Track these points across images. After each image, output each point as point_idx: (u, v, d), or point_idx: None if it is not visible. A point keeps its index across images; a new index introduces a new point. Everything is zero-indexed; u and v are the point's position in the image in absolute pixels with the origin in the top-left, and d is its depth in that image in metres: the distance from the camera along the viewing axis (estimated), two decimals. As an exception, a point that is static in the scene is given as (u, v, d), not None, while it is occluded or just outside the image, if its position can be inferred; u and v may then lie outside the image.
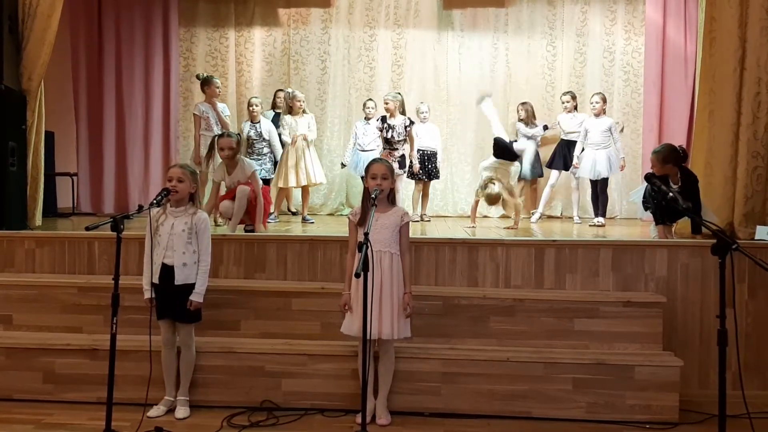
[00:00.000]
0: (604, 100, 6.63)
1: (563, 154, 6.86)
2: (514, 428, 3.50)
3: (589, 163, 6.49)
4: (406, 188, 7.17)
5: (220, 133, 5.26)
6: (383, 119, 6.56)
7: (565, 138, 6.93)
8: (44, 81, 5.05)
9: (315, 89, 7.95)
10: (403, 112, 6.61)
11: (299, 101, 6.56)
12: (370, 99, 7.19)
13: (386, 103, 6.63)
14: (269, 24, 8.01)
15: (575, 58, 7.80)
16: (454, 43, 7.88)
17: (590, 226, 6.43)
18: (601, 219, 6.39)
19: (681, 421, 3.53)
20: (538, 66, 7.83)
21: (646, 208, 4.77)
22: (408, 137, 6.57)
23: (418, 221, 6.43)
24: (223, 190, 5.16)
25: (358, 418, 3.26)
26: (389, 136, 6.49)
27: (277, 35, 8.00)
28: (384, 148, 6.56)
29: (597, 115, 6.53)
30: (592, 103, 6.60)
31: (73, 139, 7.64)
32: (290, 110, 6.58)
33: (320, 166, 6.76)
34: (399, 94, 6.74)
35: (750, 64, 4.30)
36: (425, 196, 6.94)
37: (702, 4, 5.04)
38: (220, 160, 5.01)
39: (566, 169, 6.86)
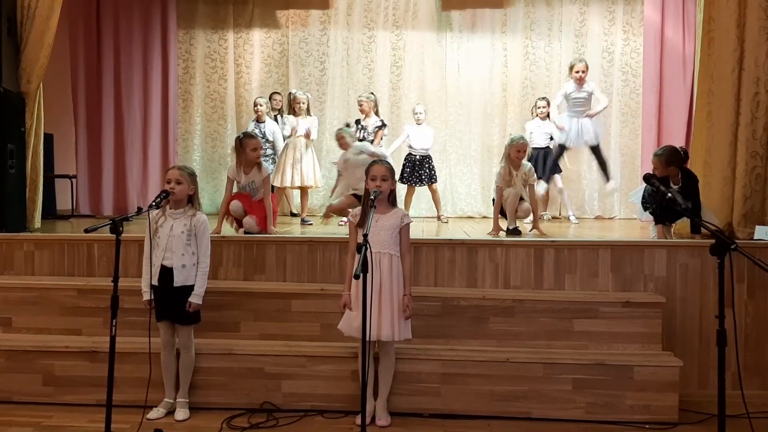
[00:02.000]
0: (587, 69, 6.58)
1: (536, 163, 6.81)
2: (513, 429, 3.50)
3: (574, 131, 6.45)
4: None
5: (243, 133, 5.06)
6: (357, 121, 6.63)
7: (534, 145, 6.77)
8: (43, 83, 5.05)
9: (314, 91, 7.95)
10: (377, 113, 6.63)
11: (299, 103, 6.56)
12: (372, 93, 7.17)
13: (360, 104, 6.67)
14: (268, 26, 8.02)
15: (574, 58, 7.79)
16: (453, 44, 7.89)
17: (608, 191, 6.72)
18: (609, 184, 6.61)
19: (680, 421, 3.53)
20: (537, 66, 7.84)
21: (645, 209, 4.78)
22: (375, 137, 6.52)
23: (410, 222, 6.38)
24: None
25: (358, 420, 3.26)
26: (361, 137, 6.50)
27: (275, 37, 8.01)
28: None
29: (580, 83, 6.47)
30: (578, 72, 6.49)
31: (72, 141, 7.64)
32: (293, 111, 6.61)
33: (318, 169, 6.76)
34: (372, 94, 6.76)
35: (748, 64, 4.30)
36: (435, 198, 6.92)
37: (700, 4, 5.04)
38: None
39: (542, 175, 6.71)
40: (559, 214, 7.44)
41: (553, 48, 7.83)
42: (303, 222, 6.49)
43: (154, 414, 3.51)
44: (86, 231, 3.00)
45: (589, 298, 3.93)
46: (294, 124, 6.56)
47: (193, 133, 8.00)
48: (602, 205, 7.76)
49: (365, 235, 2.88)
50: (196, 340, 3.67)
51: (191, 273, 3.50)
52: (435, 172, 6.91)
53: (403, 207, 6.76)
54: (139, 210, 3.27)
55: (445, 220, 6.82)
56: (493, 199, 5.36)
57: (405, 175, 6.77)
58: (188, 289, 3.49)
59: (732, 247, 2.49)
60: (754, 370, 3.97)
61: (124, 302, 3.09)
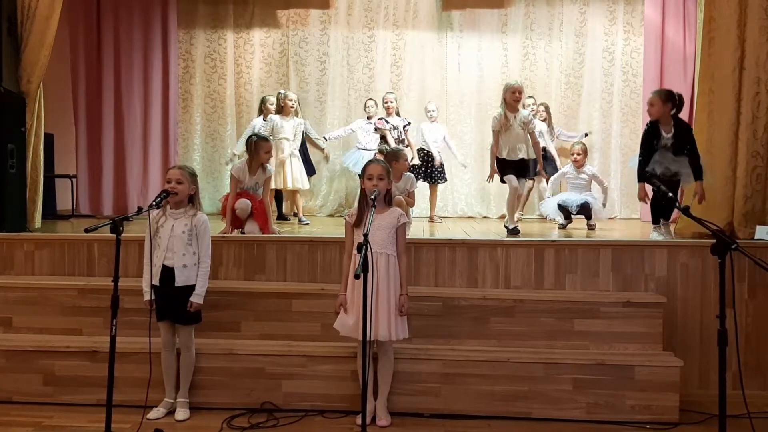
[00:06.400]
0: (585, 152, 6.12)
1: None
2: (514, 429, 3.50)
3: (572, 198, 5.99)
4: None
5: (257, 135, 5.05)
6: (385, 120, 6.69)
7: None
8: (43, 83, 5.04)
9: (314, 90, 7.95)
10: (398, 114, 6.80)
11: (290, 100, 6.52)
12: (371, 99, 7.24)
13: (390, 102, 6.80)
14: (268, 25, 8.00)
15: (574, 58, 7.80)
16: (453, 44, 7.88)
17: (559, 227, 6.05)
18: (591, 222, 6.02)
19: (681, 421, 3.53)
20: (537, 67, 7.84)
21: (640, 177, 4.73)
22: (407, 138, 6.62)
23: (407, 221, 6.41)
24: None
25: (358, 420, 3.26)
26: (395, 136, 6.68)
27: (276, 37, 8.00)
28: (380, 148, 6.64)
29: (579, 167, 6.04)
30: (573, 154, 6.08)
31: (73, 141, 7.62)
32: (281, 110, 6.54)
33: (304, 170, 6.75)
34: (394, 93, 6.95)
35: (749, 63, 4.30)
36: (433, 196, 6.96)
37: (701, 3, 5.03)
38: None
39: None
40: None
41: (553, 48, 7.82)
42: (300, 222, 6.50)
43: (154, 414, 3.51)
44: (86, 231, 3.00)
45: (590, 298, 3.93)
46: (277, 126, 6.50)
47: (193, 133, 7.99)
48: (602, 205, 7.74)
49: (365, 235, 2.88)
50: (197, 340, 3.67)
51: (192, 273, 3.50)
52: (443, 173, 6.96)
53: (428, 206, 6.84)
54: (140, 210, 3.26)
55: (440, 220, 6.83)
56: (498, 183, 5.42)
57: (420, 172, 6.78)
58: (189, 289, 3.49)
59: (733, 247, 2.48)
60: (755, 370, 3.98)
61: (124, 302, 3.09)
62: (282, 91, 6.75)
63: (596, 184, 6.12)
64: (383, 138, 6.63)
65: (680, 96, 4.58)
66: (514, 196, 5.22)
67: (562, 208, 5.99)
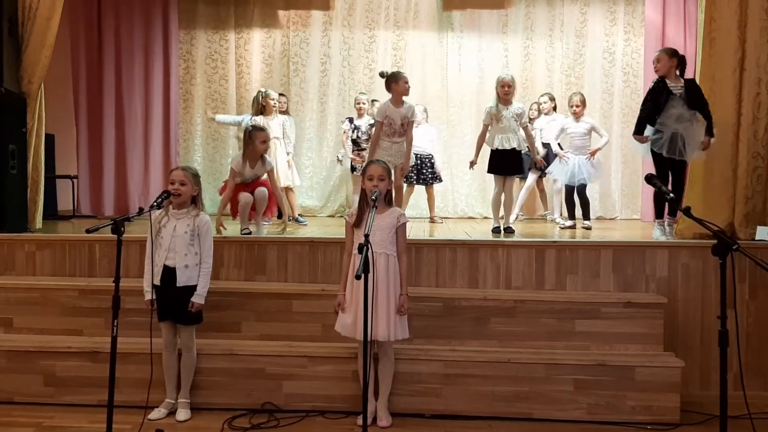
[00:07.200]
0: (584, 103, 6.12)
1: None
2: (515, 430, 3.50)
3: (569, 168, 6.05)
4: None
5: (252, 126, 5.12)
6: (351, 120, 6.73)
7: (544, 141, 6.85)
8: (44, 84, 5.04)
9: (315, 91, 7.96)
10: (368, 113, 6.77)
11: (272, 99, 6.43)
12: (375, 100, 7.20)
13: (362, 103, 6.76)
14: (269, 26, 8.02)
15: (575, 59, 7.81)
16: (454, 45, 7.89)
17: (561, 228, 6.05)
18: (586, 222, 6.00)
19: (682, 421, 3.53)
20: (538, 67, 7.84)
21: (637, 130, 4.78)
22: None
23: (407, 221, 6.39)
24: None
25: (359, 420, 3.26)
26: (355, 136, 6.64)
27: (276, 37, 8.01)
28: (353, 150, 6.63)
29: (577, 117, 6.07)
30: (572, 105, 6.09)
31: (73, 141, 7.62)
32: (263, 111, 6.34)
33: (294, 166, 6.71)
34: (365, 94, 6.90)
35: (750, 64, 4.31)
36: (431, 198, 6.95)
37: (701, 4, 5.04)
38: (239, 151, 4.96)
39: (542, 171, 6.78)
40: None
41: (554, 48, 7.83)
42: (296, 221, 6.50)
43: (155, 414, 3.51)
44: (87, 231, 3.00)
45: (591, 299, 3.94)
46: (264, 126, 6.44)
47: (194, 134, 8.00)
48: (603, 205, 7.75)
49: (366, 236, 2.87)
50: (198, 341, 3.67)
51: (194, 273, 3.51)
52: (436, 173, 6.92)
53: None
54: (141, 210, 3.26)
55: (440, 221, 6.82)
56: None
57: (412, 175, 6.78)
58: (190, 290, 3.49)
59: (734, 247, 2.48)
60: (756, 371, 3.97)
61: (125, 302, 3.09)
62: (263, 90, 6.55)
63: (596, 134, 6.19)
64: (353, 141, 6.64)
65: (683, 56, 4.69)
66: (498, 196, 5.27)
67: (568, 201, 6.06)
